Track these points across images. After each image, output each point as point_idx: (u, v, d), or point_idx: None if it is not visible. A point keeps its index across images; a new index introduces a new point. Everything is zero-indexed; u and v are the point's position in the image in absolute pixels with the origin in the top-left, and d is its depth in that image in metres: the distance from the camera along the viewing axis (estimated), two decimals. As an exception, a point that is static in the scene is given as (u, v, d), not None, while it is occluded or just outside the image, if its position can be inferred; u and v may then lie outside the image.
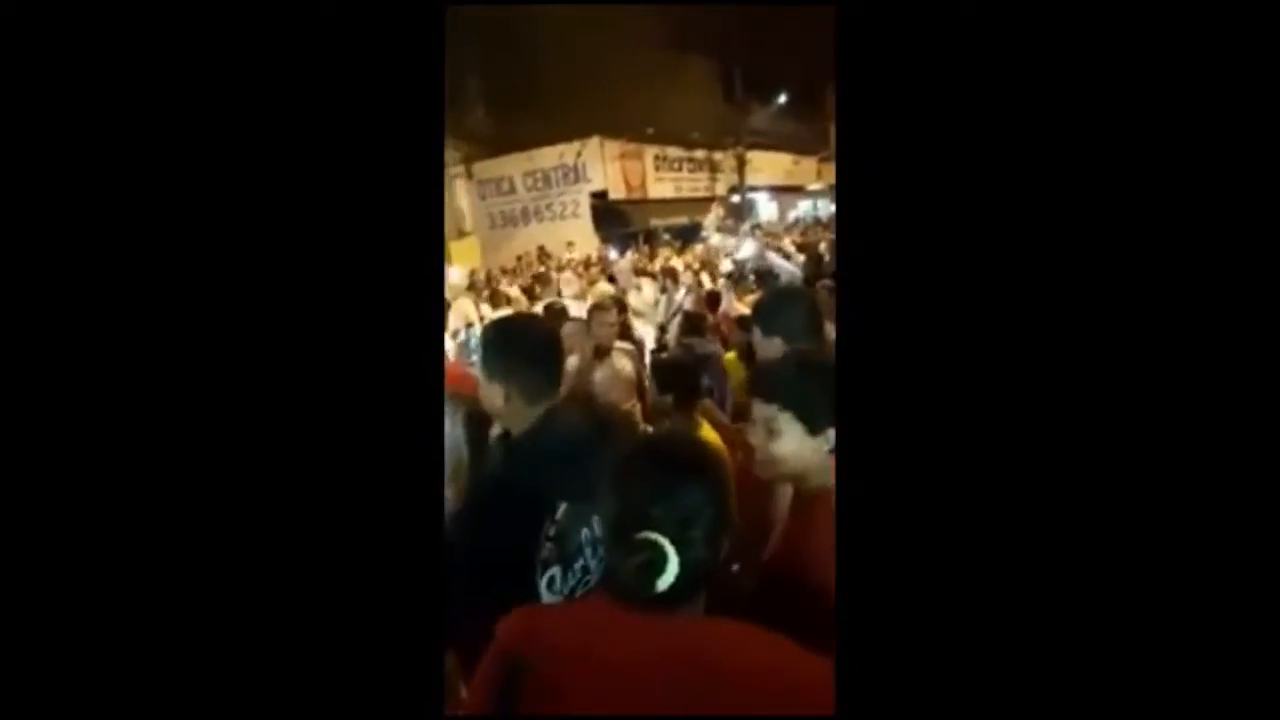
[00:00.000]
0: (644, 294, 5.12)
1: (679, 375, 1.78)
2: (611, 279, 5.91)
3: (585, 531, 1.00)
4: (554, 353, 1.13)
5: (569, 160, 9.72)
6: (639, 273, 6.02)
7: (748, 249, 5.58)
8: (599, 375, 2.52)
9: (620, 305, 3.10)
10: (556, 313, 3.12)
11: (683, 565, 0.63)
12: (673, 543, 0.63)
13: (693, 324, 3.15)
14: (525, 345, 1.11)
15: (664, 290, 4.88)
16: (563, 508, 0.99)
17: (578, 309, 3.55)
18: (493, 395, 1.07)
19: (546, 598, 0.96)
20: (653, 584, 0.63)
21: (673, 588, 0.63)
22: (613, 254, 7.39)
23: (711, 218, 8.41)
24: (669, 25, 11.10)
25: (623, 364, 2.68)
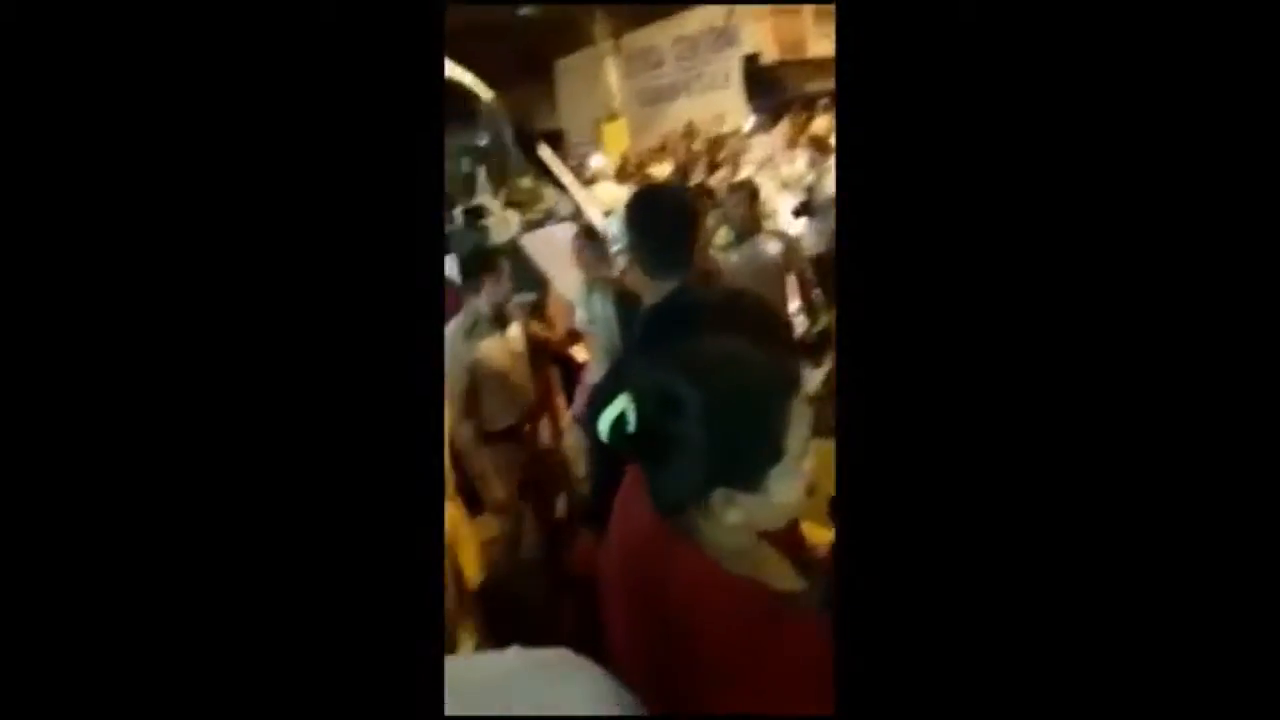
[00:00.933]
0: (795, 167, 4.87)
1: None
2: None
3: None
4: (683, 225, 1.17)
5: (718, 22, 9.06)
6: (791, 144, 5.68)
7: None
8: (736, 259, 2.53)
9: (752, 191, 3.00)
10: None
11: (714, 430, 0.64)
12: (712, 398, 0.65)
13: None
14: (654, 218, 1.17)
15: (812, 164, 4.60)
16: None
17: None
18: (627, 267, 1.18)
19: None
20: (620, 433, 0.66)
21: (711, 460, 0.65)
22: (749, 123, 6.90)
23: None
24: None
25: (767, 248, 2.68)
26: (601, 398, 1.01)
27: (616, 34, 9.77)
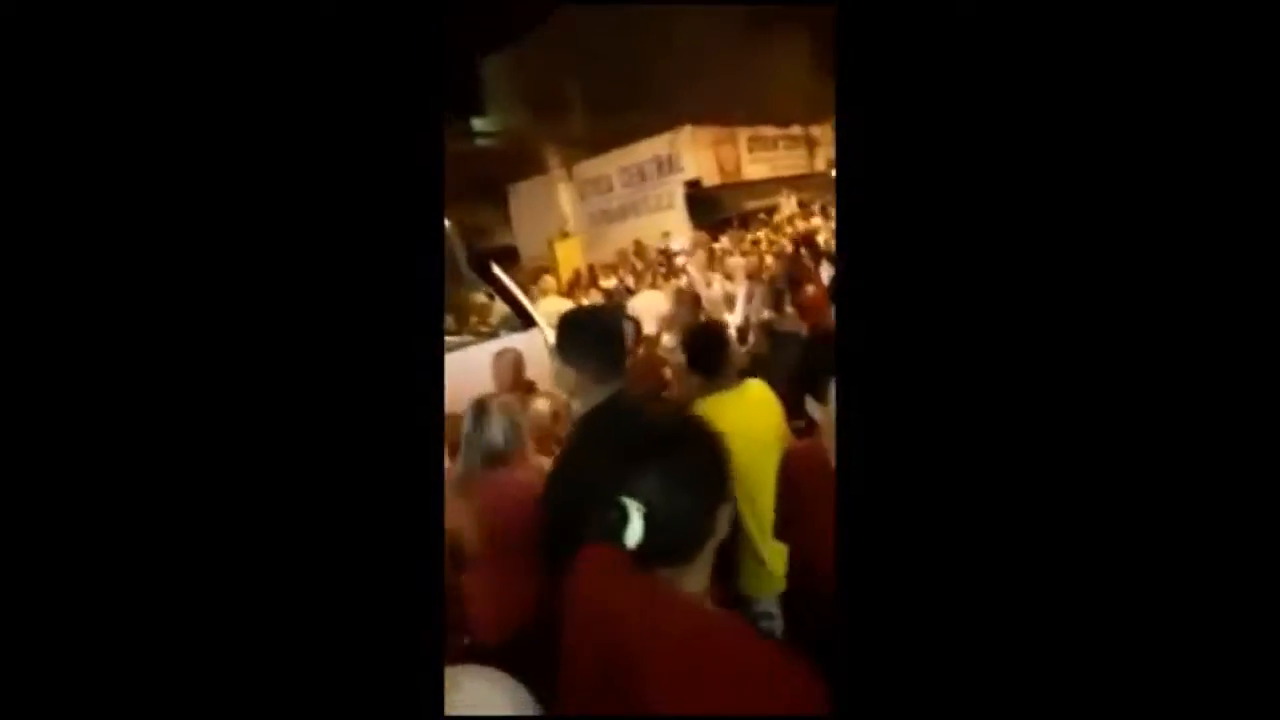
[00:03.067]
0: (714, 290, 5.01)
1: (706, 350, 1.77)
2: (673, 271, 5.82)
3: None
4: (616, 339, 1.28)
5: (662, 152, 9.87)
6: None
7: None
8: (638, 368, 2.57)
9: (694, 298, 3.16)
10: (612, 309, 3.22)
11: (659, 527, 0.69)
12: (656, 508, 0.70)
13: (775, 301, 3.15)
14: (590, 333, 1.26)
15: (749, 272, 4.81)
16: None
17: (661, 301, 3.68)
18: (565, 379, 1.24)
19: None
20: (620, 538, 0.70)
21: (654, 547, 0.69)
22: (676, 244, 7.31)
23: (785, 203, 8.23)
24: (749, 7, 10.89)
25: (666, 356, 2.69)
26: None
27: (567, 163, 10.51)
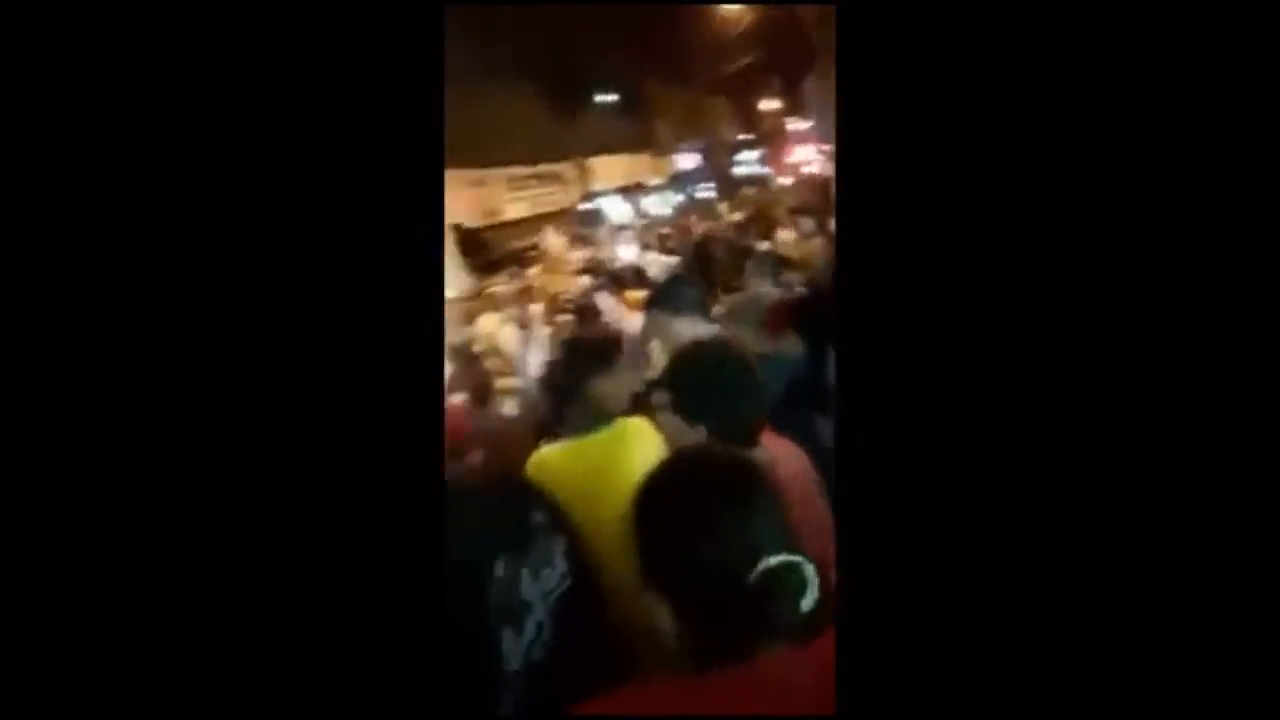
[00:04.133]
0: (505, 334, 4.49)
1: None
2: None
3: (533, 586, 0.92)
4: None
5: (420, 197, 9.49)
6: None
7: (628, 250, 5.72)
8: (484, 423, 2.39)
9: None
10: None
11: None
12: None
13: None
14: None
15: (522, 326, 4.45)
16: (499, 564, 0.89)
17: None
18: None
19: (509, 664, 0.86)
20: (799, 608, 0.58)
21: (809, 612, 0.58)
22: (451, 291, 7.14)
23: (550, 236, 8.59)
24: (488, 48, 11.08)
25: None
26: None
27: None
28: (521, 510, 0.98)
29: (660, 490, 0.65)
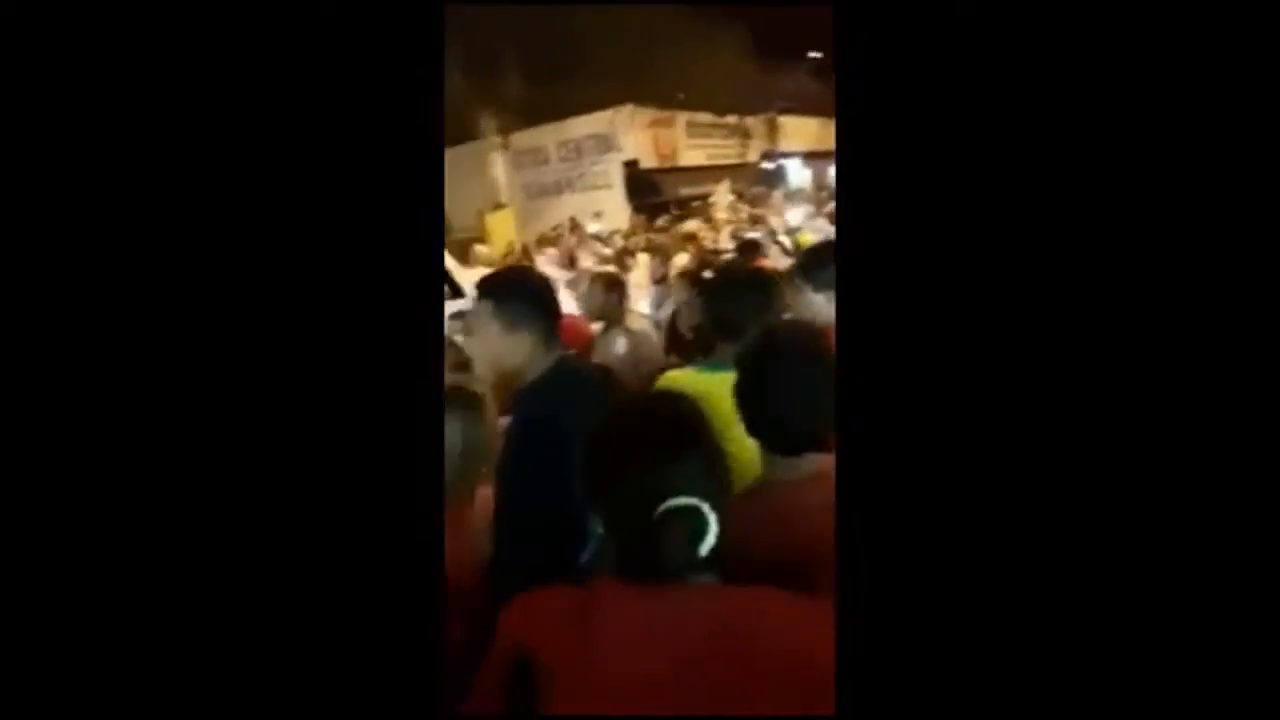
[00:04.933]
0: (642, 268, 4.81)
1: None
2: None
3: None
4: (553, 299, 1.18)
5: (602, 129, 9.80)
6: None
7: (796, 215, 5.53)
8: (601, 348, 2.44)
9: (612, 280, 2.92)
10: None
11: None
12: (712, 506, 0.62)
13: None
14: (534, 293, 1.15)
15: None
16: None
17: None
18: (516, 346, 1.11)
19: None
20: (697, 550, 0.62)
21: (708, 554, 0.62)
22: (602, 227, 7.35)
23: (721, 191, 8.38)
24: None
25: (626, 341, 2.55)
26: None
27: (504, 131, 10.22)
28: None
29: (609, 428, 0.71)
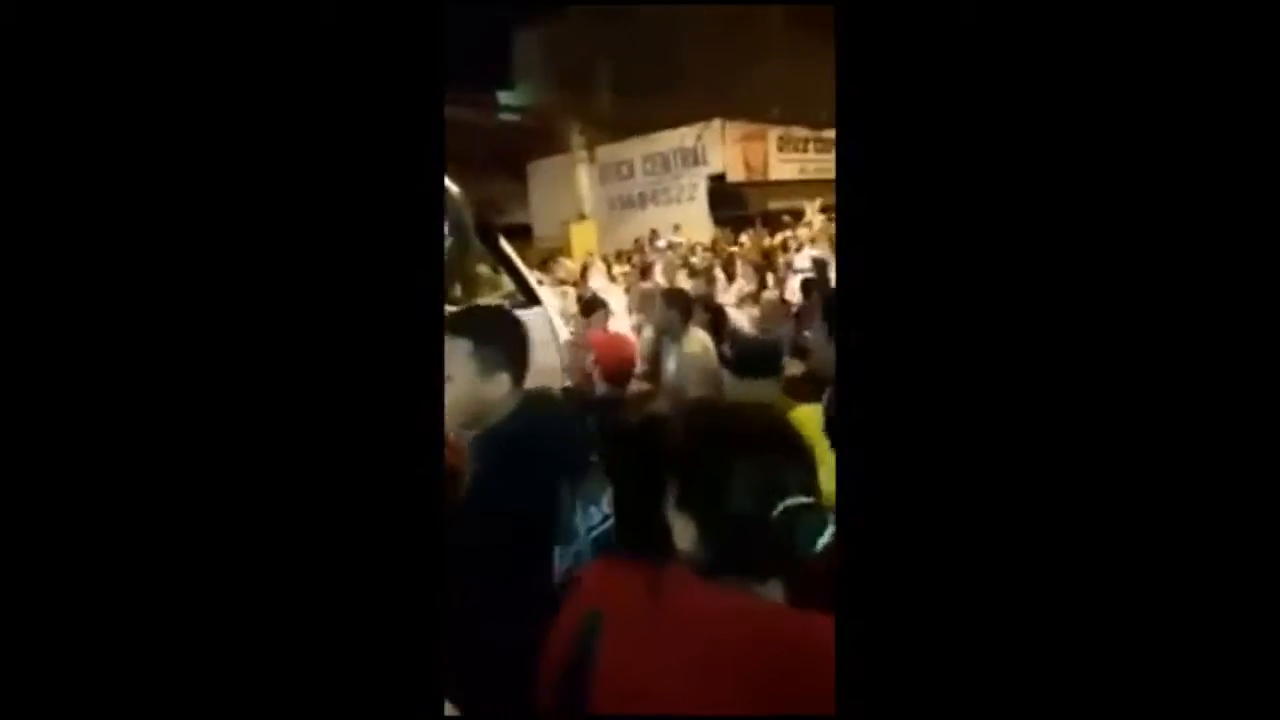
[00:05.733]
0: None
1: (758, 356, 1.71)
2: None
3: (583, 514, 1.01)
4: (519, 338, 1.13)
5: (689, 143, 9.69)
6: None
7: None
8: (671, 362, 2.50)
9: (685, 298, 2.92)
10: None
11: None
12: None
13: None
14: (513, 334, 1.11)
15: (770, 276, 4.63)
16: (563, 486, 1.00)
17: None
18: (497, 387, 1.06)
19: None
20: (815, 544, 0.64)
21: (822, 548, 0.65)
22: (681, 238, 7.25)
23: (813, 208, 7.99)
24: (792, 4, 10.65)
25: (695, 348, 2.55)
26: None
27: (591, 145, 10.31)
28: (585, 447, 1.07)
29: (719, 427, 0.74)
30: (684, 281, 4.71)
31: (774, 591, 0.68)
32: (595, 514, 1.02)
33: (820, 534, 0.65)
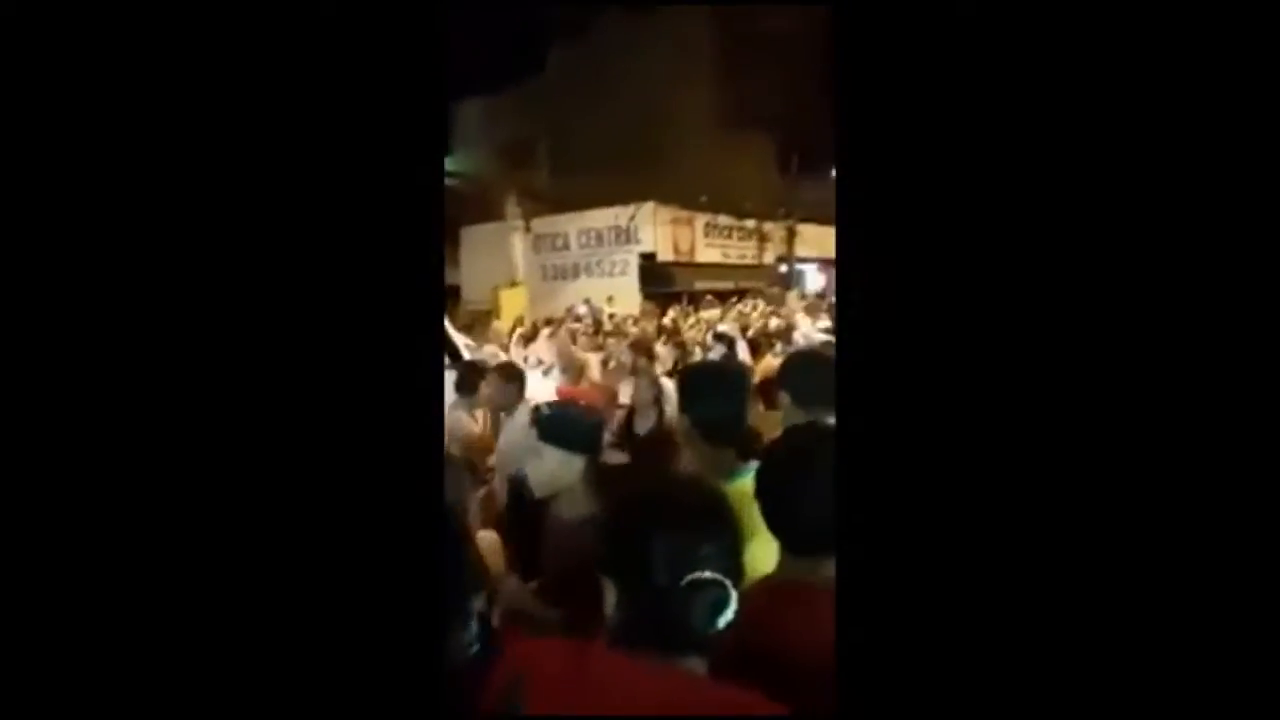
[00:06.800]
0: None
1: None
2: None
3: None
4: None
5: (622, 222, 10.08)
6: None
7: (804, 320, 5.52)
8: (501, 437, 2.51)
9: None
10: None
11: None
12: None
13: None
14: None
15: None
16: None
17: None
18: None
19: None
20: (715, 621, 0.64)
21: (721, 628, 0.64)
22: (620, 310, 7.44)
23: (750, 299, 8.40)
24: (727, 98, 11.54)
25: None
26: None
27: (527, 216, 10.53)
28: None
29: (636, 500, 0.75)
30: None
31: (698, 665, 0.68)
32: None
33: (721, 611, 0.65)
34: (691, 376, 1.45)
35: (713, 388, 1.32)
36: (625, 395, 2.73)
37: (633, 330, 6.16)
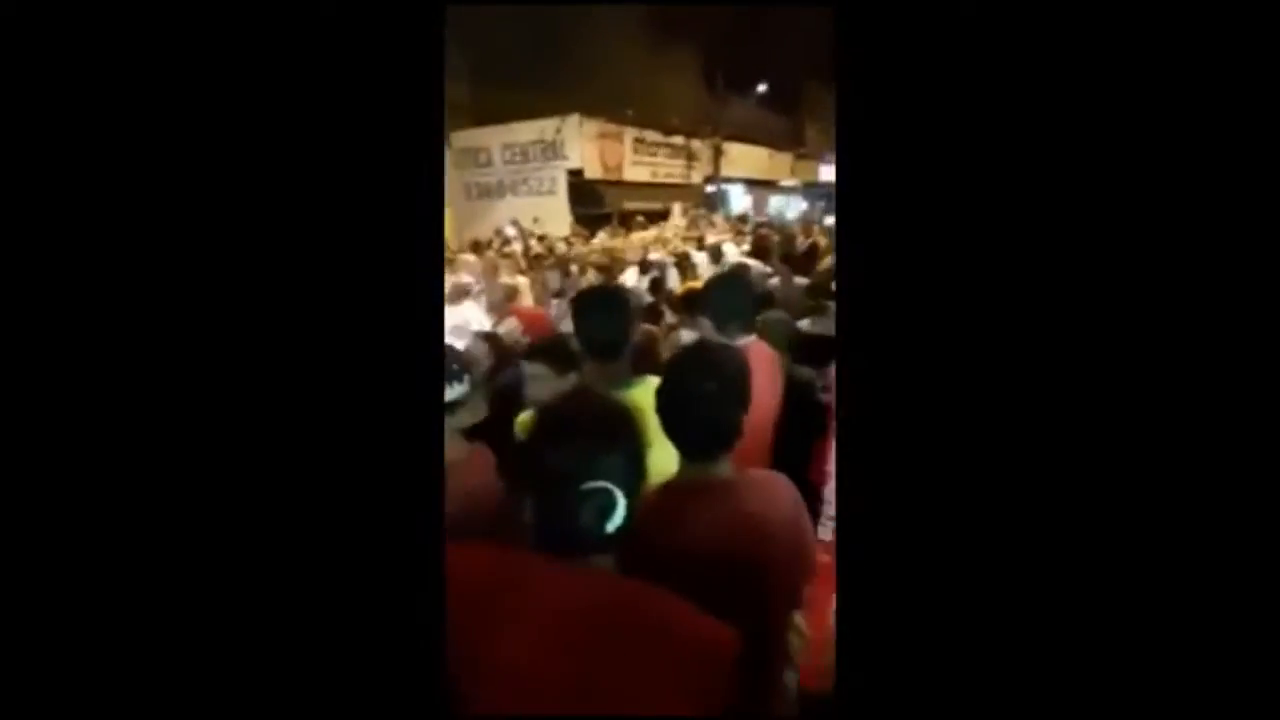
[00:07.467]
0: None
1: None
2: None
3: None
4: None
5: (548, 135, 9.75)
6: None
7: (727, 242, 5.68)
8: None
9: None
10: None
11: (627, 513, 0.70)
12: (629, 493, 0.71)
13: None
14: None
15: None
16: None
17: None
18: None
19: None
20: (604, 526, 0.71)
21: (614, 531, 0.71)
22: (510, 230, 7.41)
23: (676, 212, 8.40)
24: (654, 11, 11.08)
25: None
26: None
27: (446, 130, 9.99)
28: None
29: (546, 417, 0.79)
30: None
31: (606, 563, 0.73)
32: None
33: (609, 516, 0.70)
34: (579, 300, 1.57)
35: (599, 309, 1.46)
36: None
37: (563, 250, 6.16)
